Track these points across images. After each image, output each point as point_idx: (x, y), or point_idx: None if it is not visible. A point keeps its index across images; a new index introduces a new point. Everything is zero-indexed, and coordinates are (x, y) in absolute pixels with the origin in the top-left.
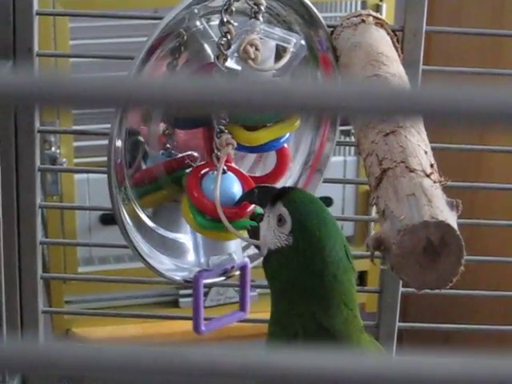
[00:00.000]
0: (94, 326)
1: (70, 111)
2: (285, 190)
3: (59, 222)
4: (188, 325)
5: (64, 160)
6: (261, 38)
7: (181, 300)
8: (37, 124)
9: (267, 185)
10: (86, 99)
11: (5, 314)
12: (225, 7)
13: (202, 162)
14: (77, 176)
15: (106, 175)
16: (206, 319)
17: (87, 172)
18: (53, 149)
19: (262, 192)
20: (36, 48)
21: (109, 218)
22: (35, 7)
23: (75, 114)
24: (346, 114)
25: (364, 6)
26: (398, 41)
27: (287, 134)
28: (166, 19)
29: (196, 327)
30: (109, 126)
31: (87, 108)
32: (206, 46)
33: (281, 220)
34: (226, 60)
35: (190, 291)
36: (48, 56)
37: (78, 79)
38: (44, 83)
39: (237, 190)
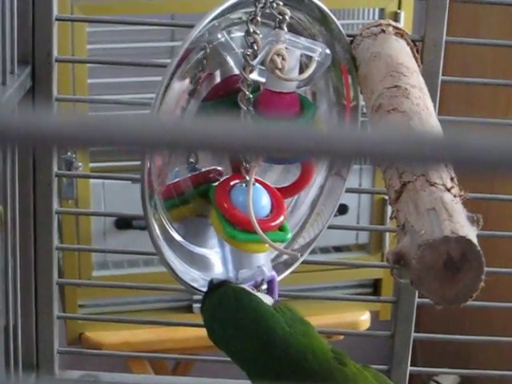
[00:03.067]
0: (107, 331)
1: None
2: (218, 286)
3: (74, 225)
4: (202, 331)
5: (80, 164)
6: (286, 48)
7: (194, 305)
8: None
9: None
10: (108, 143)
11: (20, 319)
12: (250, 18)
13: (227, 176)
14: (92, 180)
15: (121, 181)
16: None
17: (104, 178)
18: (69, 153)
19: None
20: (55, 53)
21: (124, 223)
22: (55, 13)
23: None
24: (375, 160)
25: (382, 13)
26: (417, 51)
27: None
28: (194, 31)
29: None
30: None
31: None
32: (229, 59)
33: None
34: (252, 71)
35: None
36: (67, 62)
37: (98, 123)
38: (63, 127)
39: (265, 202)
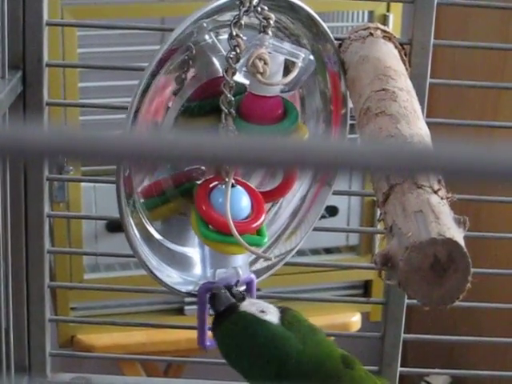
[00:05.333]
0: (99, 333)
1: (77, 120)
2: (228, 310)
3: (66, 229)
4: (193, 333)
5: (71, 168)
6: (269, 53)
7: (186, 308)
8: None
9: (222, 291)
10: (93, 156)
11: (12, 322)
12: (234, 21)
13: (210, 176)
14: (83, 183)
15: (112, 184)
16: None
17: (95, 182)
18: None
19: (217, 299)
20: (46, 58)
21: (115, 226)
22: (45, 18)
23: (82, 120)
24: (364, 172)
25: (371, 16)
26: (405, 54)
27: None
28: (175, 33)
29: (201, 341)
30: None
31: (94, 162)
32: (215, 60)
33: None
34: (234, 74)
35: (194, 299)
36: (57, 66)
37: (85, 137)
38: (53, 139)
39: (245, 203)
